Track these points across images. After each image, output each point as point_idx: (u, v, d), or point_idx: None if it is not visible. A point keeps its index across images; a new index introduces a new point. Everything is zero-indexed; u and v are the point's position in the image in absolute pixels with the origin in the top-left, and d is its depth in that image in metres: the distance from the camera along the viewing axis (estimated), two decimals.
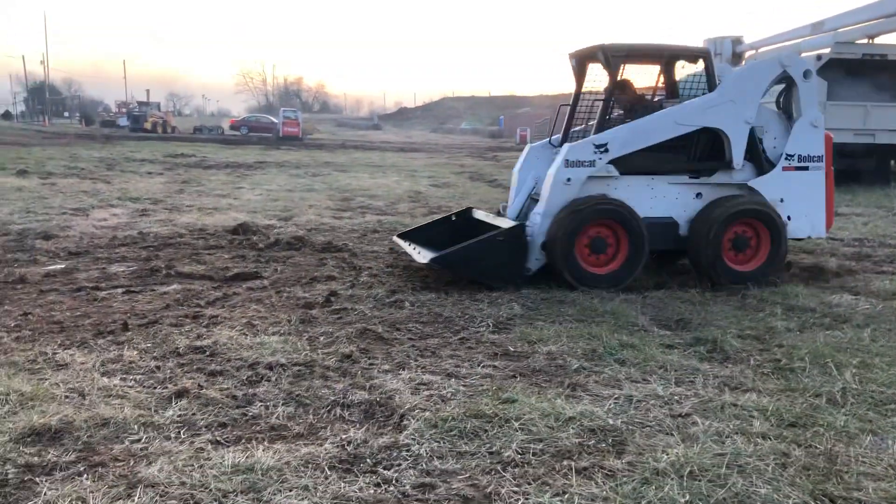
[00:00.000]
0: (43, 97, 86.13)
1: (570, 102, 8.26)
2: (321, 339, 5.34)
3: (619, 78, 7.50)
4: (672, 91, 8.17)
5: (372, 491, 3.20)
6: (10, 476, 3.27)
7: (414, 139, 55.30)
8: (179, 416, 3.96)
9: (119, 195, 14.53)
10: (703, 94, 7.56)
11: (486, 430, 3.77)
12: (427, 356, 5.01)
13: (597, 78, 8.05)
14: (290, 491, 3.18)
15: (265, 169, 23.25)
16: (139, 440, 3.65)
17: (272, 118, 57.50)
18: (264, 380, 4.53)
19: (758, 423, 3.91)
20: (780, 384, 4.54)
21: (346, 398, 4.23)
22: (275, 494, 3.15)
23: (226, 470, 3.33)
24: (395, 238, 8.42)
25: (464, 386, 4.42)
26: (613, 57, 7.33)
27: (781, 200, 7.50)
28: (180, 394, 4.25)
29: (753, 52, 22.61)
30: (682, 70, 8.28)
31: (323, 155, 32.57)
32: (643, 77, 8.14)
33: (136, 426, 3.80)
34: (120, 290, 6.85)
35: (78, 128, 60.14)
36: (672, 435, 3.76)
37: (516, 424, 3.82)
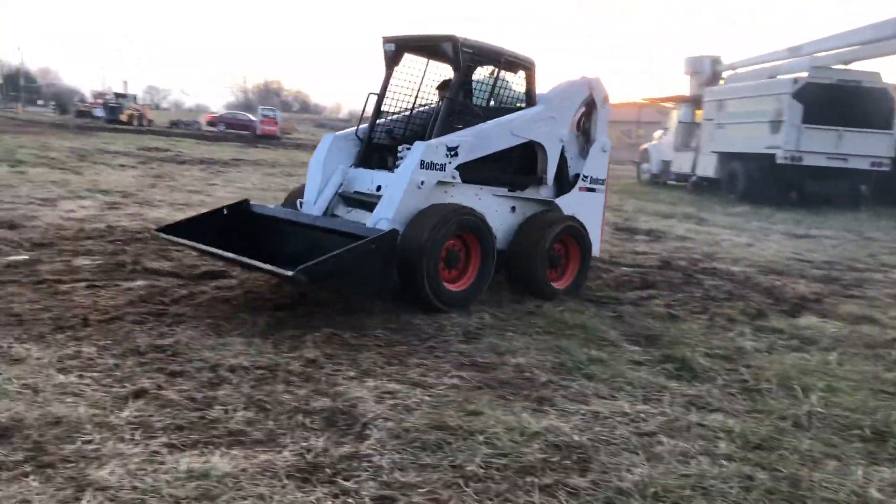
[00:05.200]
0: (17, 84, 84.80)
1: (379, 92, 7.45)
2: (287, 342, 5.24)
3: (466, 75, 6.94)
4: (502, 97, 7.71)
5: (330, 502, 3.12)
6: None
7: None
8: (136, 416, 3.84)
9: (89, 187, 14.26)
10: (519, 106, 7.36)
11: (449, 443, 3.70)
12: (394, 364, 4.94)
13: (409, 70, 7.44)
14: (245, 499, 3.09)
15: (240, 167, 23.04)
16: (92, 441, 3.53)
17: (250, 116, 57.08)
18: (225, 382, 4.43)
19: (723, 445, 3.89)
20: (747, 405, 4.54)
21: (309, 405, 4.14)
22: (229, 502, 3.06)
23: (180, 475, 3.23)
24: (159, 233, 6.68)
25: (429, 396, 4.35)
26: (464, 52, 6.68)
27: None
28: (138, 394, 4.13)
29: (732, 71, 22.89)
30: (489, 77, 7.55)
31: (300, 154, 32.35)
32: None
33: (89, 426, 3.68)
34: (83, 285, 6.68)
35: (52, 117, 59.21)
36: (637, 454, 3.73)
37: (481, 438, 3.76)
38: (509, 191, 7.21)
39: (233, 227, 6.88)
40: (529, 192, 7.35)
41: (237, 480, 3.23)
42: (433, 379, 4.67)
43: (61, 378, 4.31)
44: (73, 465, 3.30)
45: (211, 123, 56.41)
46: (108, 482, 3.15)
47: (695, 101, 23.52)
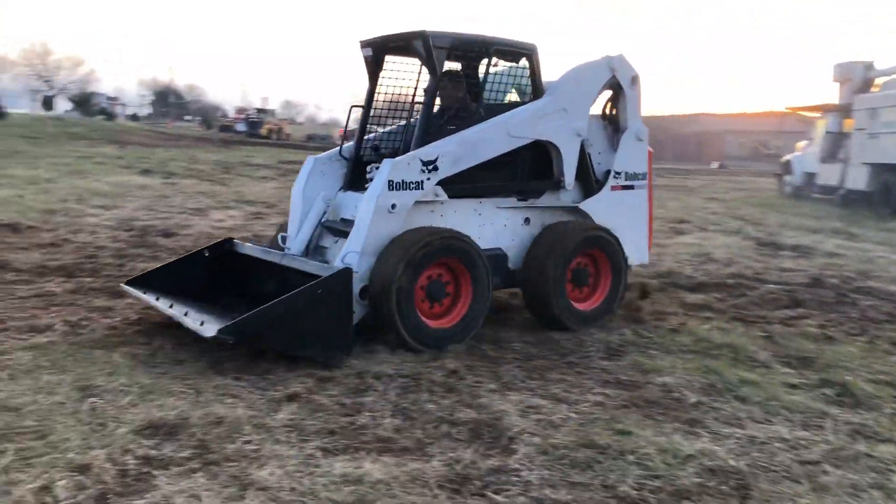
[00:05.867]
0: (167, 101, 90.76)
1: (364, 103, 6.54)
2: (428, 352, 5.30)
3: (440, 74, 5.80)
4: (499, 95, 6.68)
5: None
6: (129, 467, 3.35)
7: None
8: (290, 419, 3.99)
9: (235, 198, 15.05)
10: (529, 99, 6.28)
11: (599, 462, 3.61)
12: (535, 378, 4.89)
13: (396, 74, 6.44)
14: None
15: None
16: (251, 441, 3.69)
17: None
18: (371, 389, 4.52)
19: None
20: None
21: (453, 415, 4.16)
22: None
23: (335, 479, 3.32)
24: (125, 286, 5.98)
25: (575, 413, 4.27)
26: (437, 48, 5.70)
27: (609, 225, 6.41)
28: (291, 397, 4.29)
29: (887, 78, 21.46)
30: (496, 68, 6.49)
31: None
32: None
33: (248, 427, 3.85)
34: None
35: (198, 131, 63.01)
36: (800, 483, 3.51)
37: (631, 458, 3.65)
38: (519, 200, 6.23)
39: (220, 268, 6.18)
40: (546, 200, 6.32)
41: (389, 487, 3.27)
42: (577, 395, 4.59)
43: (219, 380, 4.53)
44: (235, 464, 3.45)
45: (343, 137, 58.18)
46: (269, 482, 3.27)
47: (844, 110, 22.14)
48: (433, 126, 5.88)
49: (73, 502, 3.05)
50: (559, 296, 5.94)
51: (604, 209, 6.49)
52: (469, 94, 6.17)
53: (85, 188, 14.75)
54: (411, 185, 5.44)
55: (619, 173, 6.62)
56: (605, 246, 6.24)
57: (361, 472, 3.38)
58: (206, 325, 4.82)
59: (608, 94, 6.74)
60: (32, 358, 4.76)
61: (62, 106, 69.10)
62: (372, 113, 6.52)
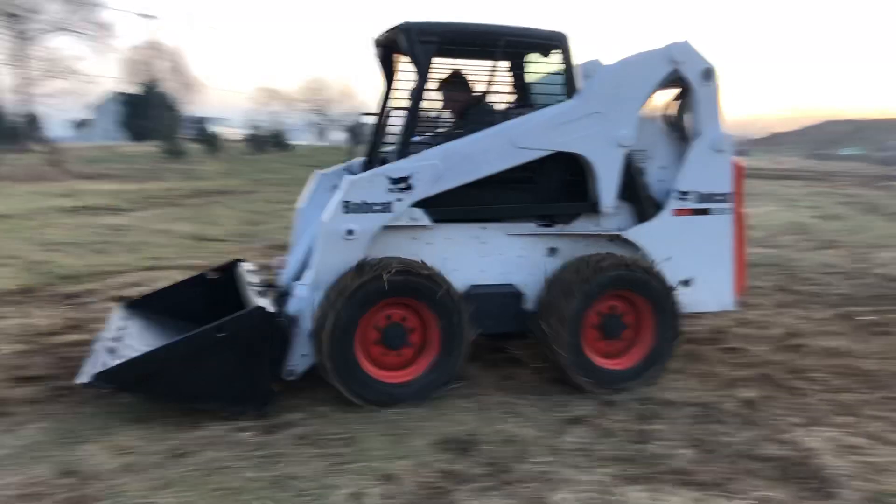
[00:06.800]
0: None
1: (378, 110, 5.47)
2: (712, 378, 4.97)
3: (427, 75, 4.78)
4: (524, 97, 5.49)
5: None
6: (430, 480, 3.46)
7: (785, 165, 51.16)
8: (579, 443, 3.90)
9: None
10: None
11: None
12: (845, 413, 4.38)
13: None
14: None
15: None
16: (543, 463, 3.65)
17: None
18: (657, 417, 4.31)
19: None
20: None
21: (755, 450, 3.83)
22: None
23: None
24: (117, 309, 5.32)
25: None
26: (422, 43, 4.71)
27: (670, 259, 5.01)
28: (577, 420, 4.21)
29: None
30: (532, 66, 5.41)
31: None
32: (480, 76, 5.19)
33: (538, 448, 3.82)
34: None
35: None
36: None
37: None
38: (542, 226, 4.99)
39: (224, 292, 5.33)
40: (581, 226, 5.02)
41: None
42: None
43: (502, 397, 4.57)
44: (529, 485, 3.42)
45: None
46: None
47: None
48: (425, 137, 5.14)
49: None
50: (572, 349, 4.63)
51: (661, 239, 5.05)
52: (480, 98, 5.16)
53: None
54: (375, 207, 4.52)
55: (685, 193, 5.10)
56: (642, 287, 4.77)
57: None
58: (82, 372, 4.20)
59: (673, 93, 5.37)
60: None
61: (336, 135, 75.82)
62: (387, 120, 5.40)
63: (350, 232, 4.46)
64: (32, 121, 40.18)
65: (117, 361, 4.10)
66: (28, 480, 3.39)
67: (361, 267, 4.38)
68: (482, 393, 4.64)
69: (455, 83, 5.21)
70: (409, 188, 4.56)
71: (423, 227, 4.69)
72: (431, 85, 5.00)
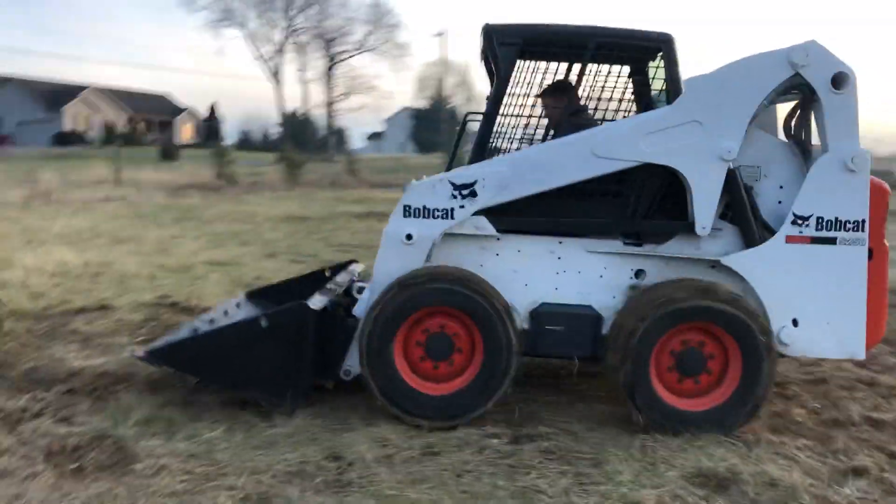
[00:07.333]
0: None
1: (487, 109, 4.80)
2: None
3: (511, 79, 4.62)
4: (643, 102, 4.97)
5: None
6: None
7: None
8: (858, 498, 3.46)
9: None
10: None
11: None
12: None
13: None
14: None
15: None
16: None
17: None
18: None
19: None
20: None
21: None
22: None
23: None
24: (242, 296, 5.68)
25: None
26: (502, 45, 4.48)
27: (780, 293, 4.31)
28: (858, 471, 3.74)
29: None
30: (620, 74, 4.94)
31: None
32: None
33: (806, 496, 3.45)
34: None
35: None
36: None
37: None
38: (628, 244, 4.51)
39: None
40: (674, 248, 4.44)
41: None
42: None
43: (773, 437, 4.20)
44: None
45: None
46: None
47: None
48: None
49: None
50: (640, 383, 4.16)
51: (769, 269, 4.34)
52: (581, 108, 4.97)
53: None
54: (437, 213, 4.40)
55: (802, 218, 4.33)
56: (727, 323, 4.15)
57: None
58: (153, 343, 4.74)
59: (795, 103, 4.67)
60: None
61: None
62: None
63: (409, 237, 4.40)
64: (337, 133, 44.67)
65: (171, 340, 4.49)
66: (300, 459, 3.74)
67: (406, 280, 4.27)
68: (748, 429, 4.30)
69: (556, 90, 5.00)
70: (473, 195, 4.39)
71: (489, 237, 4.49)
72: (524, 90, 4.97)
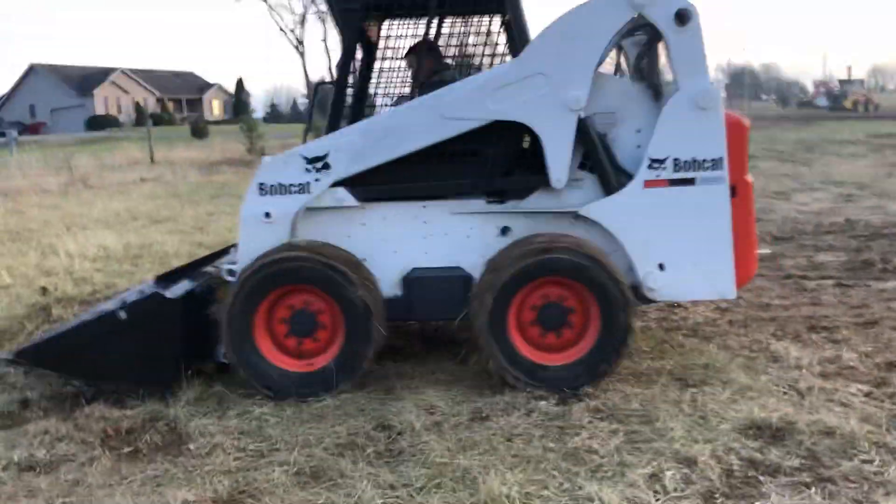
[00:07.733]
0: (743, 82, 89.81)
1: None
2: None
3: (355, 41, 4.77)
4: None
5: None
6: (734, 468, 3.23)
7: None
8: None
9: (821, 178, 13.96)
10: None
11: None
12: None
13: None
14: None
15: None
16: (871, 461, 3.23)
17: None
18: None
19: None
20: None
21: None
22: None
23: None
24: (151, 280, 5.54)
25: None
26: (344, 11, 4.64)
27: (644, 239, 4.22)
28: None
29: None
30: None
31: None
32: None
33: (865, 443, 3.38)
34: (830, 282, 6.43)
35: (775, 110, 60.80)
36: None
37: None
38: (491, 203, 4.42)
39: None
40: (536, 202, 4.37)
41: None
42: None
43: (823, 383, 4.11)
44: (854, 485, 3.05)
45: None
46: None
47: None
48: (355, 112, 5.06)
49: (680, 495, 3.05)
50: (497, 343, 4.13)
51: (629, 215, 4.25)
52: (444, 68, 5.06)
53: None
54: (293, 189, 4.32)
55: (659, 161, 4.21)
56: (581, 275, 4.08)
57: None
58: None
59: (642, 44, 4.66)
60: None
61: None
62: None
63: (267, 215, 4.35)
64: None
65: (39, 339, 4.47)
66: (349, 431, 3.76)
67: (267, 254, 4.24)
68: (800, 377, 4.22)
69: (415, 50, 4.98)
70: (326, 167, 4.33)
71: (352, 208, 4.41)
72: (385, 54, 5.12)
